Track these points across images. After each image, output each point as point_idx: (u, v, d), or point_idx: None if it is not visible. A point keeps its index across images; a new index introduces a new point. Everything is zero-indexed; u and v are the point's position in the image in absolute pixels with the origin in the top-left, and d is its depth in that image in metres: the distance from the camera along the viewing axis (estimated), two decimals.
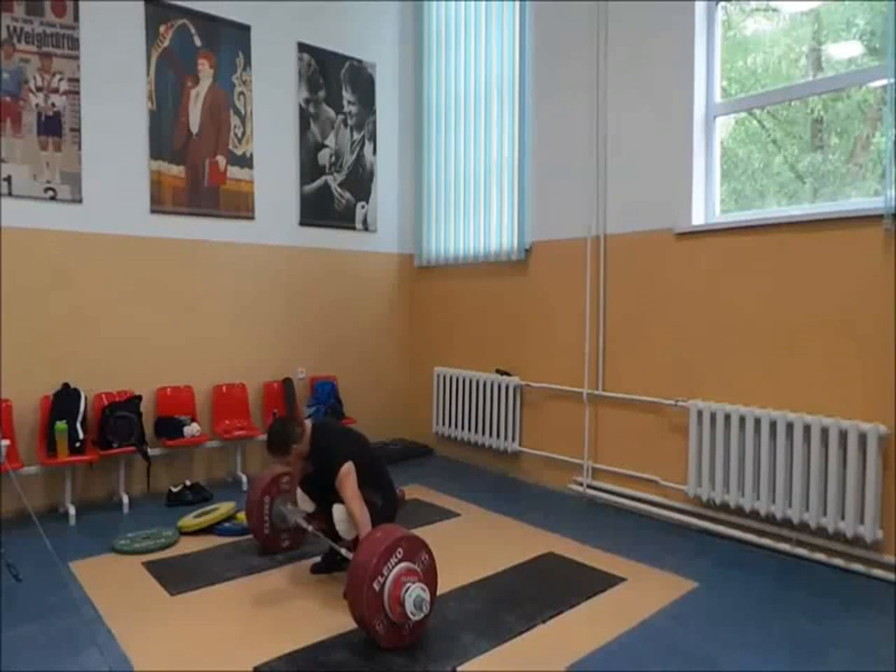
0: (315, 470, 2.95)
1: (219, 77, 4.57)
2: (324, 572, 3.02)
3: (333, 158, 5.21)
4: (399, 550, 2.36)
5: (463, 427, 5.00)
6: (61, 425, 3.68)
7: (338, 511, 2.77)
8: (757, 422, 3.28)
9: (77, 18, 3.97)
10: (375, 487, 2.88)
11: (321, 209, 5.14)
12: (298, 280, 5.02)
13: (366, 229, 5.42)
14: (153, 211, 4.30)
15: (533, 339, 4.58)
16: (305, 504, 3.01)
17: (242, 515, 3.54)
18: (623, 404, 4.00)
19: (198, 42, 4.46)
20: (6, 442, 3.34)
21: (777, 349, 3.30)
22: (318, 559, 3.09)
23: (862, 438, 2.93)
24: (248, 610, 2.66)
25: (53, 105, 3.91)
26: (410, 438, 5.58)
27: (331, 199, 5.21)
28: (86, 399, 3.92)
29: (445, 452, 5.33)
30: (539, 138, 4.49)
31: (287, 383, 4.87)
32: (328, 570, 3.02)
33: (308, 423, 2.97)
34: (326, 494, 2.86)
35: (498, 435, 4.70)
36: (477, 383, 4.87)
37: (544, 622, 2.56)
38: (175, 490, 4.07)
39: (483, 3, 4.80)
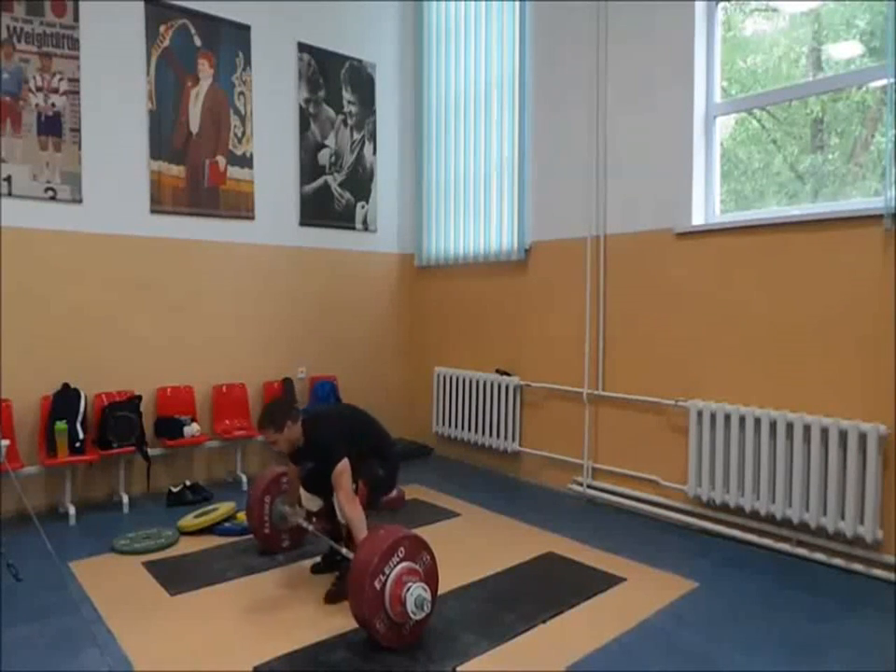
0: (315, 464, 2.93)
1: (219, 76, 4.56)
2: (324, 572, 3.01)
3: (333, 158, 5.21)
4: (401, 549, 2.36)
5: (463, 427, 5.00)
6: (61, 425, 3.68)
7: None
8: (757, 422, 3.28)
9: (77, 18, 3.97)
10: (377, 456, 2.87)
11: (321, 209, 5.14)
12: (298, 280, 5.01)
13: (366, 229, 5.42)
14: (153, 211, 4.30)
15: (533, 339, 4.58)
16: (311, 503, 2.98)
17: (242, 515, 3.54)
18: (623, 404, 4.00)
19: (198, 42, 4.46)
20: (6, 442, 3.35)
21: (777, 349, 3.30)
22: (318, 559, 3.09)
23: (862, 438, 2.93)
24: (248, 610, 2.66)
25: (53, 105, 3.91)
26: (410, 438, 5.57)
27: (331, 199, 5.21)
28: (86, 399, 3.92)
29: (445, 452, 5.33)
30: (539, 138, 4.49)
31: (287, 383, 4.87)
32: (328, 570, 3.01)
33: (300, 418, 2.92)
34: (329, 487, 2.83)
35: (498, 435, 4.70)
36: (477, 383, 4.87)
37: (544, 622, 2.56)
38: (174, 490, 4.07)
39: (483, 3, 4.80)
